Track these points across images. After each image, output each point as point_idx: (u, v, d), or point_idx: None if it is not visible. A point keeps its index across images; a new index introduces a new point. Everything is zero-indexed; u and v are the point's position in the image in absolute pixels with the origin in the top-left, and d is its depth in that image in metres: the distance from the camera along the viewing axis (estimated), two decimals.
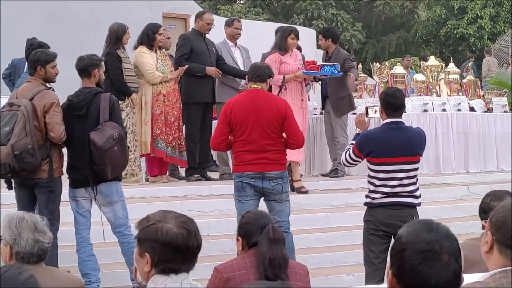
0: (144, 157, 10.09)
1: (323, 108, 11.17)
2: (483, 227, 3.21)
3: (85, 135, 6.76)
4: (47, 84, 7.06)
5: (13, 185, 7.06)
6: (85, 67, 7.07)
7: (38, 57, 7.05)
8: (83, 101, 6.94)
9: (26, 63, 8.19)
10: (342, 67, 10.23)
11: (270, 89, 8.23)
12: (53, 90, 7.14)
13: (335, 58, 10.61)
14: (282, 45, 9.88)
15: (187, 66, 9.95)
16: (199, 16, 10.65)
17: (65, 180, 7.24)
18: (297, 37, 10.04)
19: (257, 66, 7.40)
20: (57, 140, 6.90)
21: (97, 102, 6.91)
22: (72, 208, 7.07)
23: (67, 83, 7.67)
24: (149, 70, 9.72)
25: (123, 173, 7.96)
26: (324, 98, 11.02)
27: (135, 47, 9.92)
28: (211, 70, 10.14)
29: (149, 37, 9.86)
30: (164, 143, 9.75)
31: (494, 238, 2.96)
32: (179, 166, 10.57)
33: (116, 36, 9.44)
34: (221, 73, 10.20)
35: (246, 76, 7.52)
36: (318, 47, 25.77)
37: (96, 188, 6.89)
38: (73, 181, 7.05)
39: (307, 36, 21.61)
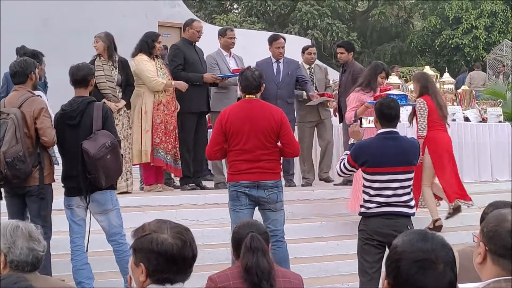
0: (138, 166, 10.09)
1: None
2: (474, 240, 3.20)
3: (78, 144, 6.74)
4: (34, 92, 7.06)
5: (2, 194, 7.04)
6: (85, 76, 7.05)
7: (30, 63, 7.04)
8: (76, 110, 6.93)
9: None
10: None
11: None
12: (41, 96, 7.13)
13: (350, 70, 10.99)
14: (370, 84, 9.35)
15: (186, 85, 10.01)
16: (188, 24, 10.60)
17: (59, 188, 7.23)
18: (387, 76, 9.63)
19: (249, 77, 7.20)
20: (50, 144, 6.91)
21: (90, 111, 6.90)
22: (67, 216, 7.05)
23: (61, 91, 7.67)
24: (151, 78, 9.67)
25: None
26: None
27: (133, 55, 9.89)
28: (208, 77, 10.17)
29: (148, 45, 9.82)
30: (163, 152, 9.74)
31: (487, 248, 2.96)
32: (173, 175, 10.55)
33: None
34: (219, 78, 10.21)
35: (239, 87, 7.43)
36: None
37: (89, 197, 6.88)
38: (68, 189, 7.03)
39: (302, 46, 21.65)
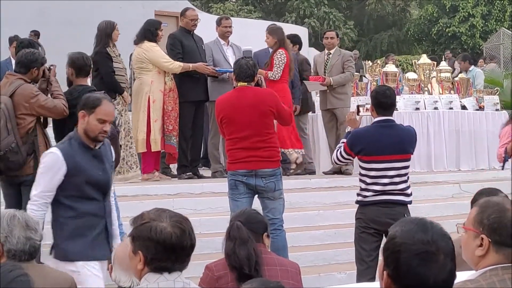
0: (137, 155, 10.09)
1: None
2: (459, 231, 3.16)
3: None
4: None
5: None
6: (89, 66, 7.09)
7: (37, 58, 6.94)
8: (77, 99, 6.90)
9: (13, 62, 8.02)
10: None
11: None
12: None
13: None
14: None
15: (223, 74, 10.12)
16: (182, 14, 10.66)
17: None
18: None
19: (243, 65, 7.18)
20: (65, 112, 6.85)
21: None
22: None
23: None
24: (167, 62, 9.71)
25: None
26: None
27: (137, 42, 9.86)
28: (208, 68, 10.16)
29: (152, 33, 9.83)
30: (175, 139, 9.79)
31: (490, 240, 2.95)
32: (169, 164, 10.55)
33: (106, 34, 9.37)
34: (215, 69, 10.18)
35: (233, 75, 7.40)
36: (311, 45, 25.78)
37: None
38: None
39: (299, 35, 21.60)
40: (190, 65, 9.87)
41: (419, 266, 2.52)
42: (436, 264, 2.53)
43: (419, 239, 2.56)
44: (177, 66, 9.74)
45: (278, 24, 12.44)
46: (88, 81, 8.31)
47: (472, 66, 15.69)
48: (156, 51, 9.73)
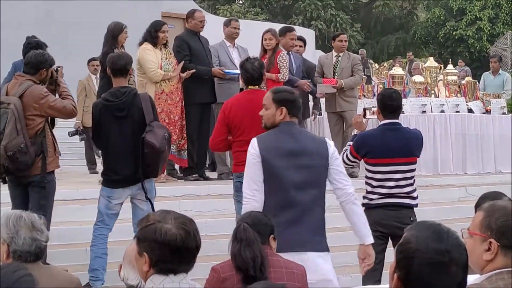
0: None
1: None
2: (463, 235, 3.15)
3: (124, 135, 6.80)
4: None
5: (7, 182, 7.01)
6: (125, 65, 7.05)
7: (46, 59, 6.94)
8: (125, 102, 6.90)
9: None
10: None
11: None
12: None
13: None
14: None
15: (193, 70, 9.92)
16: (190, 15, 10.63)
17: (65, 178, 7.20)
18: None
19: (249, 70, 7.11)
20: (74, 112, 6.89)
21: (138, 103, 6.90)
22: (102, 206, 7.02)
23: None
24: (151, 68, 9.64)
25: None
26: None
27: (140, 44, 9.86)
28: (216, 71, 10.18)
29: (151, 35, 9.77)
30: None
31: (499, 244, 2.94)
32: (177, 166, 10.55)
33: (113, 35, 9.37)
34: (224, 70, 10.19)
35: (240, 78, 7.38)
36: (318, 47, 25.78)
37: (142, 185, 6.91)
38: (111, 181, 7.00)
39: (306, 37, 21.63)
40: (170, 73, 9.78)
41: (429, 275, 2.53)
42: (446, 275, 2.53)
43: (434, 248, 2.56)
44: (158, 74, 9.65)
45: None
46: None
47: (501, 70, 15.46)
48: (146, 54, 9.68)
